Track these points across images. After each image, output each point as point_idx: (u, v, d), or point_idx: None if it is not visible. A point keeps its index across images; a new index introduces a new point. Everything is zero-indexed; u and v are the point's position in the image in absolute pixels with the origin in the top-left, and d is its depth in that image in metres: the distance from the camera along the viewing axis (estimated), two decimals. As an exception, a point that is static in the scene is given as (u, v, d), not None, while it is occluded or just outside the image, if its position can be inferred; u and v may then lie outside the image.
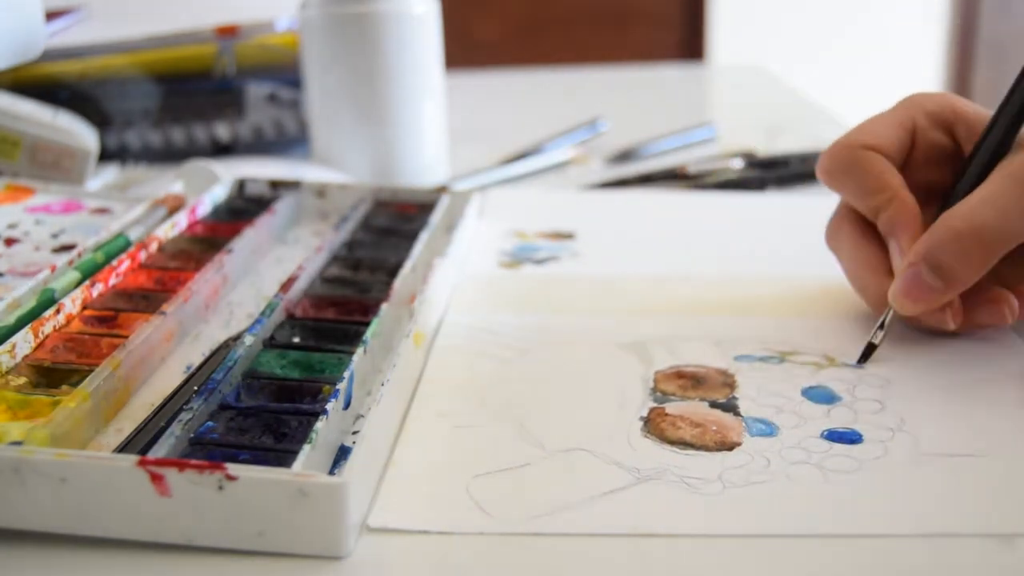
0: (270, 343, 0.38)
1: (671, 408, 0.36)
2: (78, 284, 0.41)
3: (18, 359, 0.36)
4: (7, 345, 0.36)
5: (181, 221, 0.49)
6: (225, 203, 0.54)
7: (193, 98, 0.74)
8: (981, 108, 0.42)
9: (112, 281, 0.42)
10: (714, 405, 0.36)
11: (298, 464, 0.29)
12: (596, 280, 0.48)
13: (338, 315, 0.41)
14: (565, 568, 0.28)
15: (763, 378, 0.38)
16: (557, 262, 0.51)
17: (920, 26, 2.48)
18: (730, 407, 0.36)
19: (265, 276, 0.48)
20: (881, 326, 0.39)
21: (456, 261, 0.48)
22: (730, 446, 0.33)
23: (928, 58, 2.51)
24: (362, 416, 0.35)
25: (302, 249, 0.52)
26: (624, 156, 0.74)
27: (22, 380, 0.35)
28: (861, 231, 0.42)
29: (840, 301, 0.44)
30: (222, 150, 0.75)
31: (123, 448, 0.33)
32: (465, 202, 0.54)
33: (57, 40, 0.72)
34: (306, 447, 0.30)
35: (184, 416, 0.32)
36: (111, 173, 0.68)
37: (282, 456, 0.30)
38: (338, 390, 0.33)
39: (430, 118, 0.66)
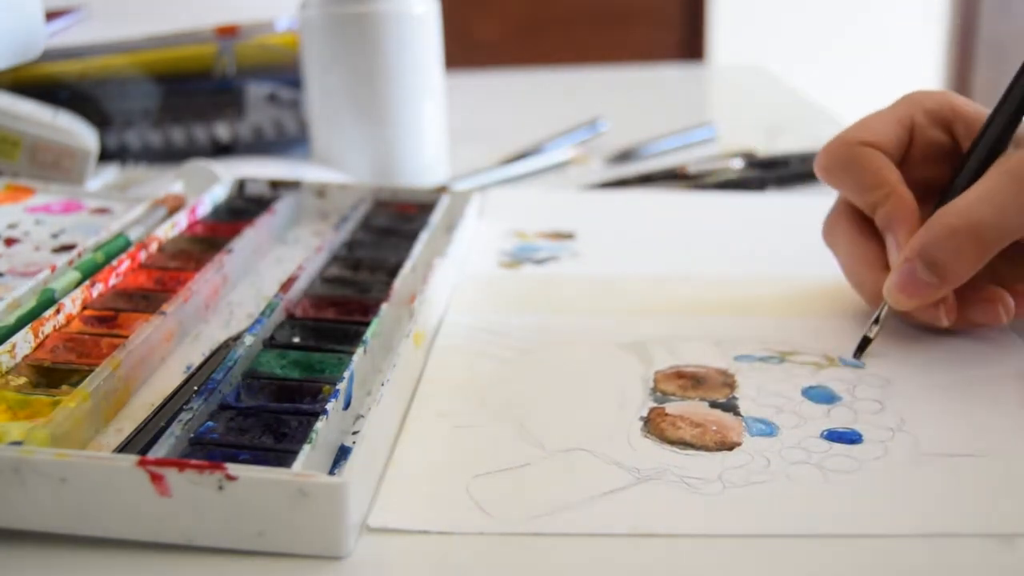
0: (270, 343, 0.38)
1: (671, 408, 0.36)
2: (78, 284, 0.41)
3: (18, 359, 0.36)
4: (7, 345, 0.36)
5: (181, 221, 0.49)
6: (225, 203, 0.54)
7: (193, 98, 0.74)
8: (980, 106, 0.42)
9: (112, 281, 0.42)
10: (714, 405, 0.36)
11: (298, 464, 0.29)
12: (596, 280, 0.48)
13: (338, 315, 0.41)
14: (565, 568, 0.28)
15: (763, 378, 0.38)
16: (557, 262, 0.51)
17: (920, 26, 2.48)
18: (730, 407, 0.36)
19: (265, 276, 0.48)
20: (876, 320, 0.39)
21: (456, 261, 0.48)
22: (730, 446, 0.33)
23: (928, 58, 2.51)
24: (362, 416, 0.35)
25: (302, 249, 0.52)
26: (624, 156, 0.74)
27: (22, 380, 0.35)
28: (858, 227, 0.42)
29: (840, 301, 0.44)
30: (222, 150, 0.75)
31: (123, 448, 0.33)
32: (465, 202, 0.54)
33: (57, 40, 0.72)
34: (306, 447, 0.30)
35: (184, 416, 0.32)
36: (111, 173, 0.68)
37: (282, 456, 0.30)
38: (338, 390, 0.33)
39: (430, 118, 0.66)
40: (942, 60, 2.53)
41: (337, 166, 0.65)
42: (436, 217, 0.51)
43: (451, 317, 0.44)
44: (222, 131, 0.74)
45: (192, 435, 0.32)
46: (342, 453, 0.33)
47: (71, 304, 0.39)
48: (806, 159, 0.67)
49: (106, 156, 0.71)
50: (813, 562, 0.28)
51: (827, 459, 0.32)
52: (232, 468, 0.28)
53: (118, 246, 0.46)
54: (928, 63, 2.51)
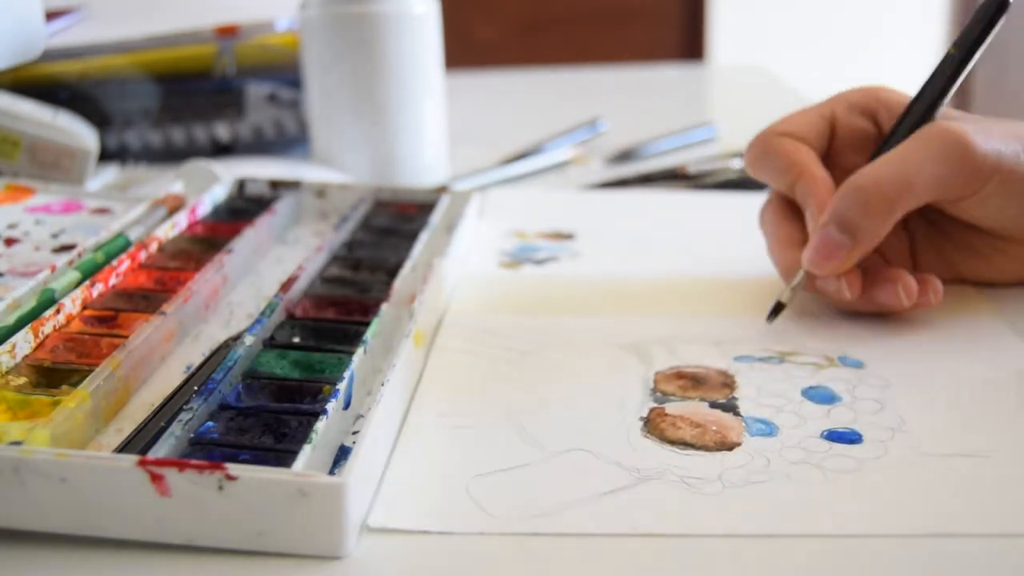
0: (270, 343, 0.38)
1: (671, 408, 0.36)
2: (78, 284, 0.41)
3: (18, 359, 0.36)
4: (7, 345, 0.36)
5: (181, 221, 0.49)
6: (225, 203, 0.54)
7: (193, 98, 0.74)
8: (909, 96, 0.44)
9: (112, 281, 0.42)
10: (714, 405, 0.36)
11: (298, 464, 0.29)
12: (596, 280, 0.48)
13: (338, 315, 0.41)
14: (565, 568, 0.28)
15: (763, 378, 0.38)
16: (557, 262, 0.51)
17: (920, 26, 2.48)
18: (730, 407, 0.36)
19: (265, 276, 0.48)
20: (793, 288, 0.42)
21: (456, 261, 0.48)
22: (730, 446, 0.33)
23: (928, 58, 2.51)
24: (362, 416, 0.35)
25: (302, 249, 0.52)
26: (624, 156, 0.74)
27: (22, 380, 0.35)
28: (783, 212, 0.44)
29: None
30: (222, 150, 0.75)
31: (123, 448, 0.33)
32: (465, 202, 0.54)
33: (57, 40, 0.72)
34: (306, 447, 0.30)
35: (184, 416, 0.32)
36: (111, 173, 0.68)
37: (282, 456, 0.30)
38: (338, 390, 0.33)
39: (430, 118, 0.66)
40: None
41: (337, 166, 0.65)
42: (436, 217, 0.51)
43: (451, 317, 0.44)
44: (222, 131, 0.74)
45: (192, 435, 0.32)
46: (342, 453, 0.33)
47: (71, 304, 0.39)
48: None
49: (106, 156, 0.71)
50: (813, 562, 0.28)
51: (827, 459, 0.32)
52: (232, 468, 0.28)
53: (118, 246, 0.46)
54: (928, 63, 2.51)
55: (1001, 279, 0.45)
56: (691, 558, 0.28)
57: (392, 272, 0.45)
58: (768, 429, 0.34)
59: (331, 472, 0.32)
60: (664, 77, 1.21)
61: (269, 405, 0.34)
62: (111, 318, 0.40)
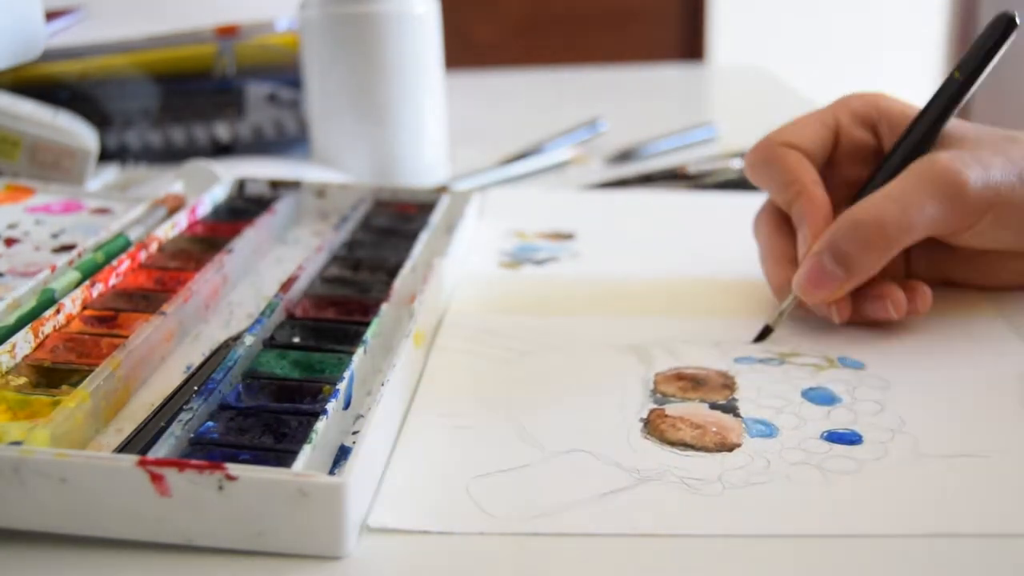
0: (270, 343, 0.38)
1: (671, 409, 0.36)
2: (78, 284, 0.41)
3: (18, 359, 0.36)
4: (7, 345, 0.36)
5: (181, 221, 0.49)
6: (225, 203, 0.54)
7: (193, 98, 0.74)
8: (909, 107, 0.44)
9: (112, 281, 0.42)
10: (714, 406, 0.36)
11: (298, 464, 0.29)
12: (596, 280, 0.48)
13: (338, 315, 0.41)
14: (565, 568, 0.28)
15: (763, 379, 0.38)
16: (557, 262, 0.51)
17: (920, 26, 2.48)
18: (730, 408, 0.36)
19: (265, 276, 0.48)
20: (781, 313, 0.41)
21: (456, 261, 0.48)
22: (730, 447, 0.33)
23: (928, 58, 2.51)
24: (362, 416, 0.35)
25: (302, 249, 0.52)
26: (624, 156, 0.74)
27: (22, 380, 0.35)
28: (777, 224, 0.44)
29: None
30: (222, 150, 0.75)
31: (123, 448, 0.33)
32: (465, 202, 0.54)
33: (57, 40, 0.72)
34: (306, 447, 0.30)
35: (184, 416, 0.32)
36: (111, 173, 0.68)
37: (282, 456, 0.30)
38: (338, 390, 0.33)
39: (430, 118, 0.66)
40: (941, 60, 2.53)
41: (337, 166, 0.65)
42: (436, 217, 0.51)
43: (451, 317, 0.44)
44: (222, 131, 0.74)
45: (192, 435, 0.32)
46: (342, 453, 0.33)
47: (71, 304, 0.39)
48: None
49: (106, 156, 0.71)
50: (813, 562, 0.28)
51: (827, 460, 0.32)
52: (232, 468, 0.28)
53: (118, 246, 0.46)
54: (928, 63, 2.51)
55: (995, 286, 0.45)
56: (691, 558, 0.28)
57: (392, 272, 0.45)
58: (768, 430, 0.34)
59: (331, 472, 0.32)
60: (664, 77, 1.21)
61: (269, 405, 0.34)
62: (111, 318, 0.40)
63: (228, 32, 0.73)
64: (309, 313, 0.41)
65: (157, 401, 0.36)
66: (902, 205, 0.39)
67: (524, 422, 0.35)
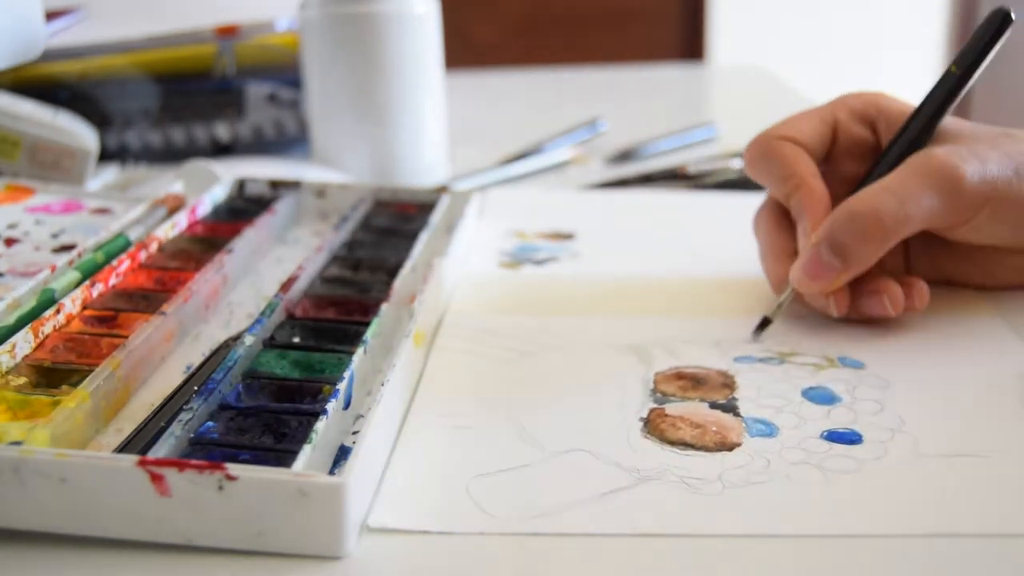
0: (270, 343, 0.38)
1: (671, 409, 0.36)
2: (78, 284, 0.41)
3: (18, 359, 0.36)
4: (7, 345, 0.36)
5: (181, 221, 0.49)
6: (225, 203, 0.54)
7: (193, 98, 0.74)
8: (909, 105, 0.44)
9: (112, 281, 0.42)
10: (714, 406, 0.36)
11: (298, 464, 0.29)
12: (596, 280, 0.48)
13: (338, 315, 0.41)
14: (565, 568, 0.28)
15: (763, 379, 0.38)
16: (557, 262, 0.51)
17: (919, 26, 2.48)
18: (730, 408, 0.36)
19: (265, 276, 0.48)
20: (780, 304, 0.41)
21: (456, 261, 0.48)
22: (730, 447, 0.33)
23: (928, 58, 2.51)
24: (362, 416, 0.35)
25: (302, 249, 0.52)
26: (624, 156, 0.74)
27: (22, 380, 0.35)
28: (776, 219, 0.44)
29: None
30: (222, 150, 0.75)
31: (123, 448, 0.33)
32: (465, 202, 0.54)
33: (57, 40, 0.72)
34: (306, 447, 0.30)
35: (184, 416, 0.32)
36: (111, 173, 0.68)
37: (282, 456, 0.30)
38: (338, 390, 0.33)
39: (430, 118, 0.66)
40: (941, 60, 2.53)
41: (337, 166, 0.65)
42: (436, 217, 0.51)
43: (451, 317, 0.44)
44: (222, 131, 0.74)
45: (192, 435, 0.32)
46: (342, 453, 0.33)
47: (71, 304, 0.39)
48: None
49: (106, 156, 0.71)
50: (813, 562, 0.28)
51: (827, 459, 0.32)
52: (232, 468, 0.28)
53: (118, 246, 0.46)
54: (928, 63, 2.51)
55: (994, 284, 0.45)
56: (691, 558, 0.28)
57: (392, 272, 0.45)
58: (768, 430, 0.34)
59: (331, 472, 0.32)
60: (664, 77, 1.21)
61: (269, 405, 0.34)
62: (111, 318, 0.40)
63: (228, 32, 0.73)
64: (309, 313, 0.41)
65: (157, 401, 0.36)
66: (899, 197, 0.39)
67: (524, 422, 0.35)
